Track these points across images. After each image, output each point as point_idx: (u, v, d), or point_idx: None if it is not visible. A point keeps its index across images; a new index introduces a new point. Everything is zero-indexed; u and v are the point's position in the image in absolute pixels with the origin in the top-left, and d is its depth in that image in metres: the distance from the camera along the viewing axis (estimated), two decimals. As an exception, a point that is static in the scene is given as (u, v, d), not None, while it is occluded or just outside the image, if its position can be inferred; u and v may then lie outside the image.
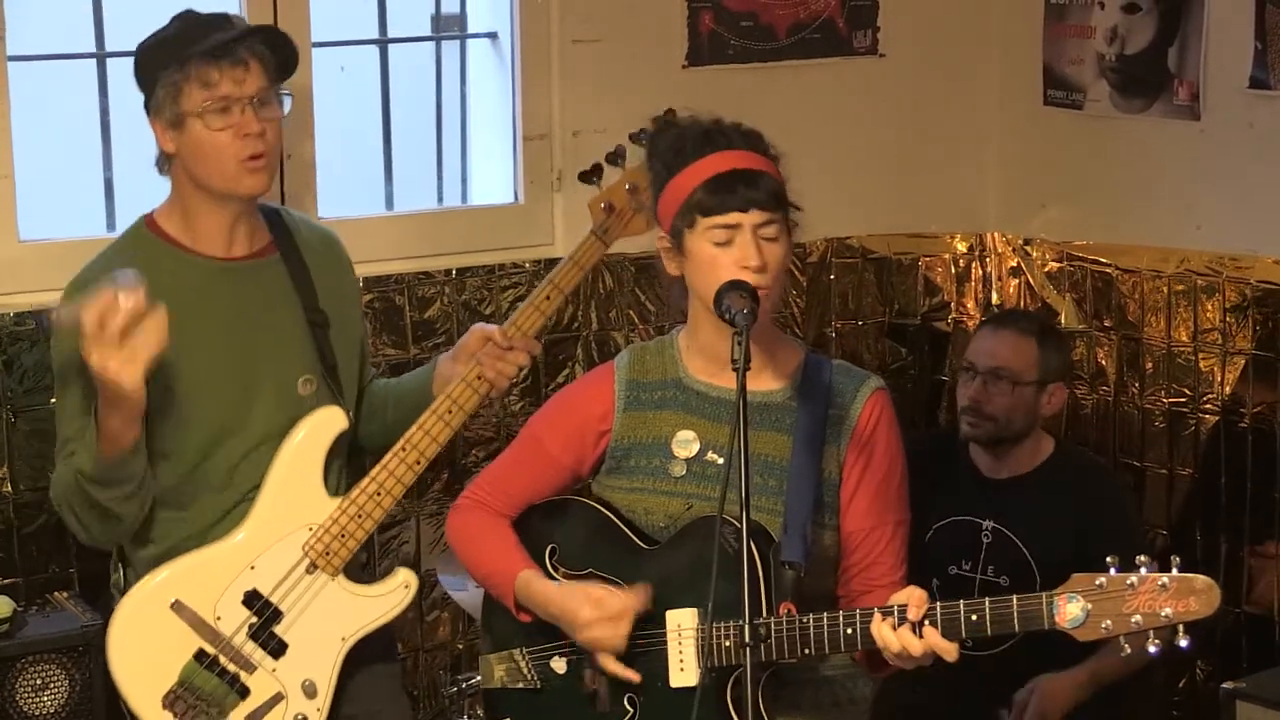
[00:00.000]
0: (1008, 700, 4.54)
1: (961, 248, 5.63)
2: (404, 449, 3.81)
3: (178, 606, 3.70)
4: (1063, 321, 5.40)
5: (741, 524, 3.09)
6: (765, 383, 3.44)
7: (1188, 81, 5.05)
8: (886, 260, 5.56)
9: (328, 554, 3.76)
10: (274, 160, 3.75)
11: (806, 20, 5.30)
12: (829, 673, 3.46)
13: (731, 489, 3.09)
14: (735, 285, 3.25)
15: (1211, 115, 5.01)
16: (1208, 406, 5.07)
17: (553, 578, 3.51)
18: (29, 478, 4.47)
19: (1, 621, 4.18)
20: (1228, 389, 5.02)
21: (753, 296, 3.23)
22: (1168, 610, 2.97)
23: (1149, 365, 5.21)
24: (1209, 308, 5.05)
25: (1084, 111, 5.33)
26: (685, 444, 3.47)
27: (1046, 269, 5.47)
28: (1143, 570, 3.00)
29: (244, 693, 3.73)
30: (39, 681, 4.15)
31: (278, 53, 3.73)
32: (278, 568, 3.75)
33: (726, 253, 3.30)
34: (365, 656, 3.85)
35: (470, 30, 5.17)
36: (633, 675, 3.38)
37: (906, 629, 3.13)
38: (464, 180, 5.24)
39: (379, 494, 3.79)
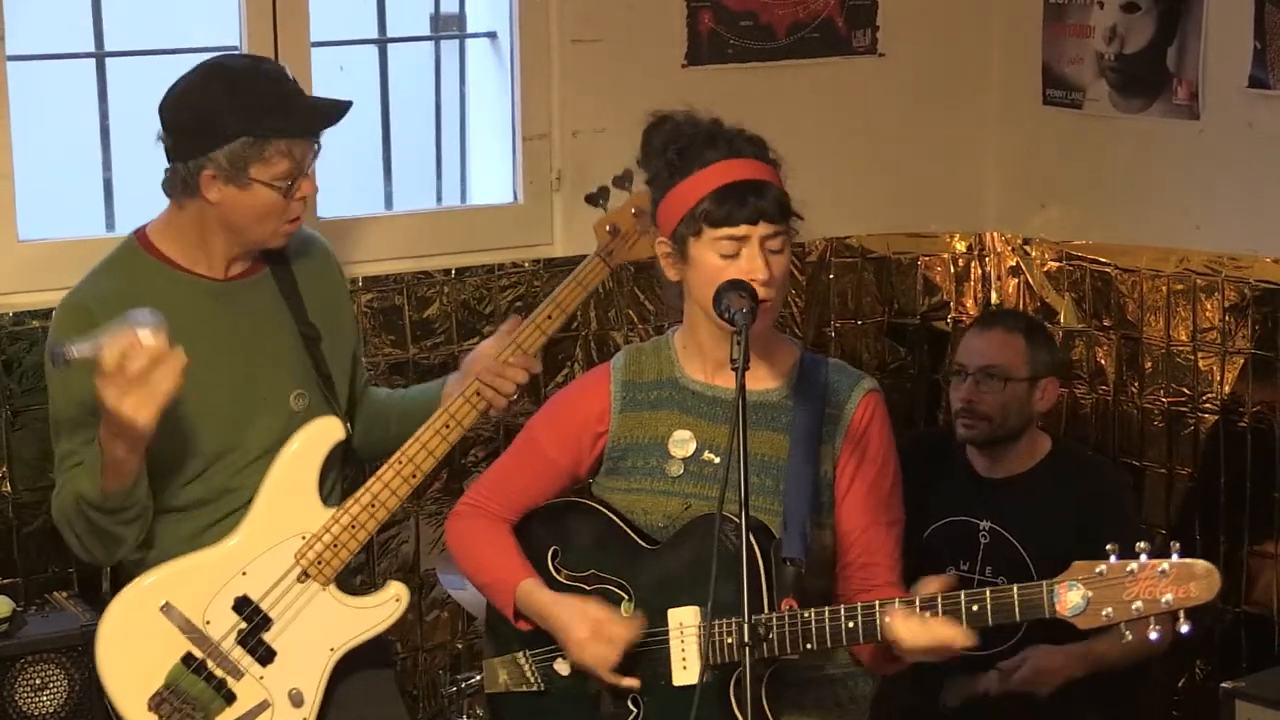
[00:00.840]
0: (1004, 704, 4.54)
1: (961, 247, 5.63)
2: (400, 462, 3.82)
3: (167, 609, 3.70)
4: (1062, 321, 5.40)
5: (741, 521, 3.09)
6: (762, 382, 3.45)
7: (1187, 81, 5.05)
8: (886, 260, 5.56)
9: (320, 563, 3.76)
10: None
11: (806, 20, 5.30)
12: (832, 671, 3.46)
13: (730, 488, 3.10)
14: (735, 285, 3.25)
15: (1211, 115, 5.01)
16: (1207, 406, 5.07)
17: (555, 579, 3.51)
18: (28, 478, 4.46)
19: (1, 621, 4.18)
20: (1227, 388, 5.02)
21: (752, 296, 3.24)
22: (1168, 596, 2.98)
23: (1148, 365, 5.21)
24: (1208, 307, 5.05)
25: (1083, 111, 5.33)
26: (682, 444, 3.47)
27: (1046, 268, 5.47)
28: (1143, 557, 3.00)
29: (230, 698, 3.73)
30: (38, 681, 4.14)
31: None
32: (269, 575, 3.75)
33: (733, 265, 3.31)
34: (358, 662, 3.84)
35: (469, 30, 5.17)
36: (632, 684, 3.38)
37: (916, 620, 3.12)
38: (463, 180, 5.23)
39: (373, 505, 3.79)
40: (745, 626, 3.10)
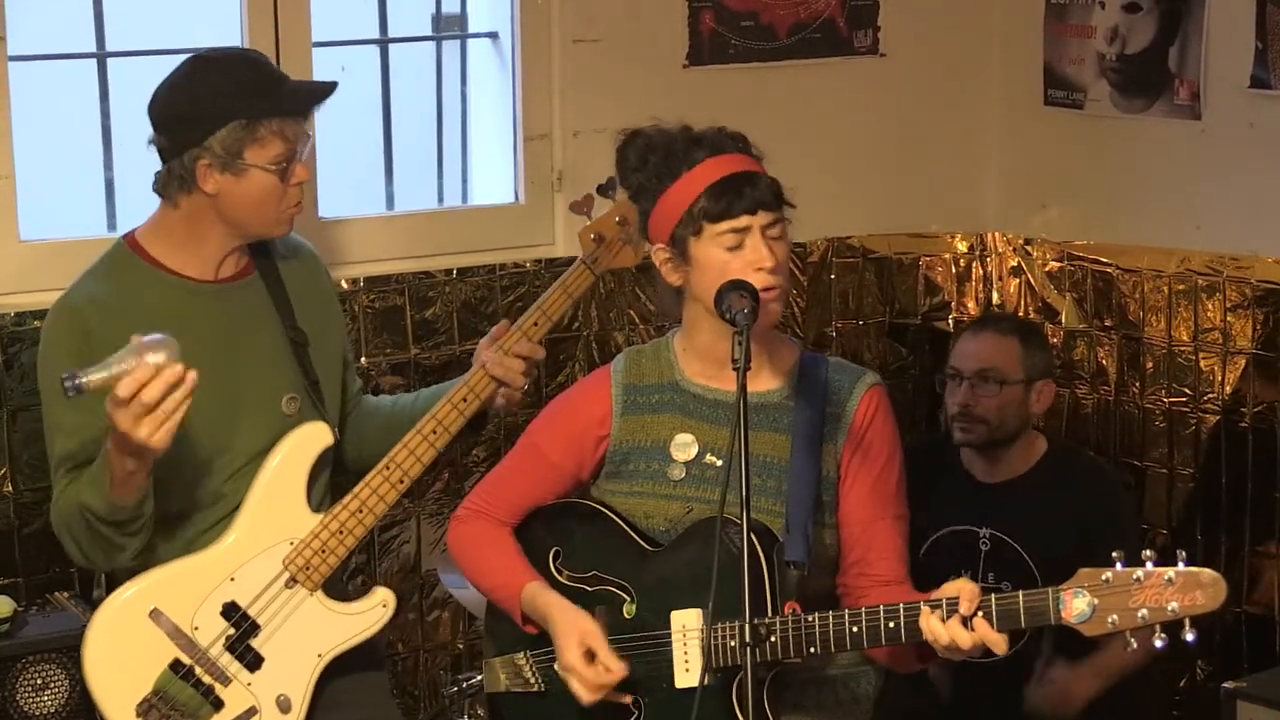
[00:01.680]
0: (1007, 705, 4.54)
1: (962, 247, 5.63)
2: (388, 468, 3.82)
3: (156, 615, 3.70)
4: (1064, 321, 5.41)
5: (743, 523, 3.09)
6: (762, 383, 3.45)
7: (1188, 81, 5.05)
8: (887, 260, 5.56)
9: (308, 569, 3.76)
10: None
11: (807, 20, 5.30)
12: (832, 672, 3.45)
13: (731, 490, 3.09)
14: (736, 285, 3.25)
15: (1212, 115, 5.01)
16: (1208, 406, 5.07)
17: (557, 580, 3.51)
18: (29, 478, 4.46)
19: (2, 621, 4.18)
20: (1228, 388, 5.02)
21: (753, 296, 3.23)
22: (1174, 604, 2.97)
23: (1149, 365, 5.21)
24: (1209, 307, 5.05)
25: (1084, 111, 5.33)
26: (684, 447, 3.47)
27: (1047, 269, 5.47)
28: (1149, 565, 3.00)
29: (218, 705, 3.72)
30: (39, 681, 4.14)
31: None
32: (257, 581, 3.75)
33: (738, 256, 3.31)
34: (349, 664, 3.84)
35: (471, 30, 5.17)
36: (625, 698, 3.37)
37: (956, 621, 3.11)
38: (464, 180, 5.23)
39: (361, 511, 3.79)
40: (747, 628, 3.10)
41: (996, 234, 5.61)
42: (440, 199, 5.23)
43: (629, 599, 3.43)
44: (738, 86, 5.16)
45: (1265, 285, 4.92)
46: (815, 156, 5.20)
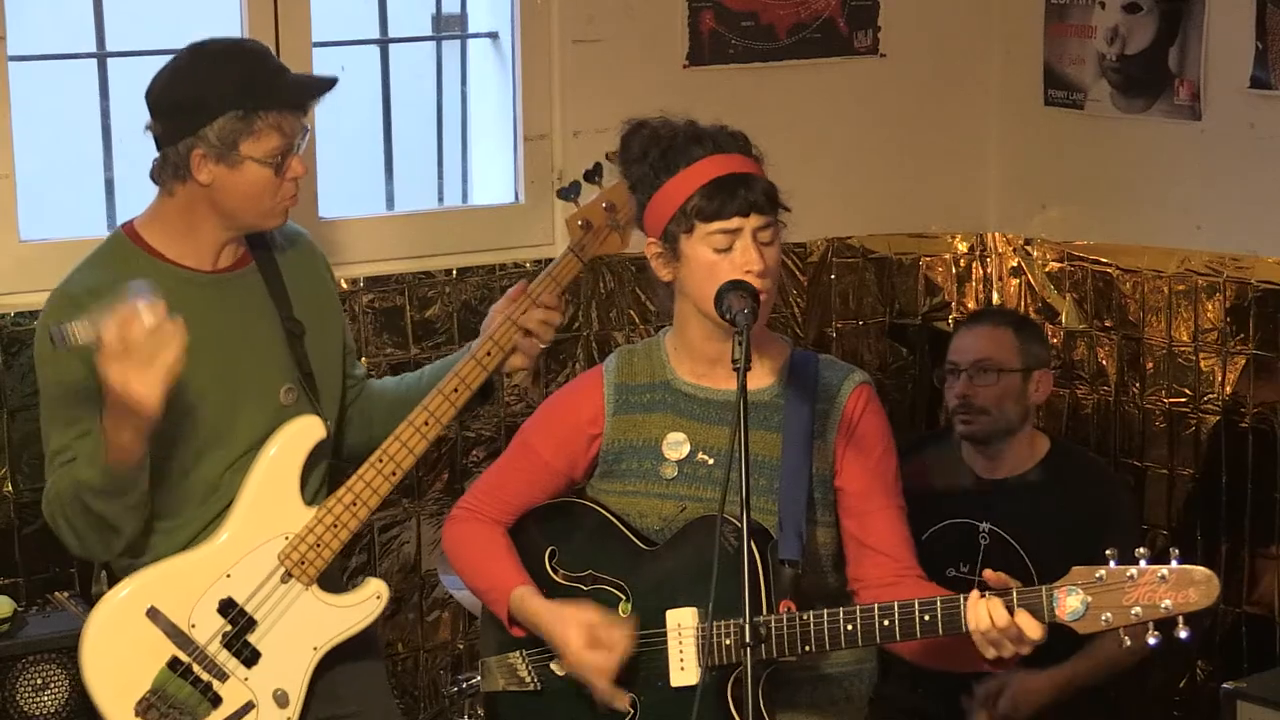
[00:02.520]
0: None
1: (962, 248, 5.63)
2: (381, 460, 3.82)
3: (153, 613, 3.70)
4: (1064, 321, 5.41)
5: (741, 523, 3.09)
6: (754, 381, 3.43)
7: (1188, 81, 5.05)
8: (887, 260, 5.56)
9: (303, 563, 3.76)
10: None
11: (807, 20, 5.30)
12: (828, 670, 3.46)
13: (730, 490, 3.09)
14: (736, 285, 3.26)
15: (1212, 115, 5.01)
16: (1208, 406, 5.07)
17: (553, 580, 3.51)
18: (29, 477, 4.47)
19: (2, 621, 4.18)
20: (1228, 389, 5.02)
21: (753, 296, 3.24)
22: (1167, 602, 2.98)
23: (1150, 365, 5.21)
24: (1209, 308, 5.05)
25: (1085, 111, 5.33)
26: (676, 446, 3.47)
27: (1047, 269, 5.47)
28: (1142, 563, 3.00)
29: (216, 701, 3.73)
30: (39, 681, 4.14)
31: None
32: (253, 576, 3.75)
33: (727, 258, 3.31)
34: (345, 654, 3.85)
35: (471, 30, 5.17)
36: (621, 703, 3.38)
37: (1000, 608, 3.11)
38: (464, 180, 5.24)
39: (355, 504, 3.79)
40: (745, 628, 3.10)
41: (997, 234, 5.61)
42: (440, 199, 5.23)
43: (624, 598, 3.43)
44: (738, 87, 5.16)
45: (1265, 285, 4.92)
46: (815, 157, 5.20)
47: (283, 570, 3.75)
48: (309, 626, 3.78)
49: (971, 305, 5.63)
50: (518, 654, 3.55)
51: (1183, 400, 5.13)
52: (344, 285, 4.78)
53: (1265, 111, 4.88)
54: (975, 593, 3.14)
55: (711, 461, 3.42)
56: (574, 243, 3.98)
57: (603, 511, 3.51)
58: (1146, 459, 5.23)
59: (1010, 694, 4.47)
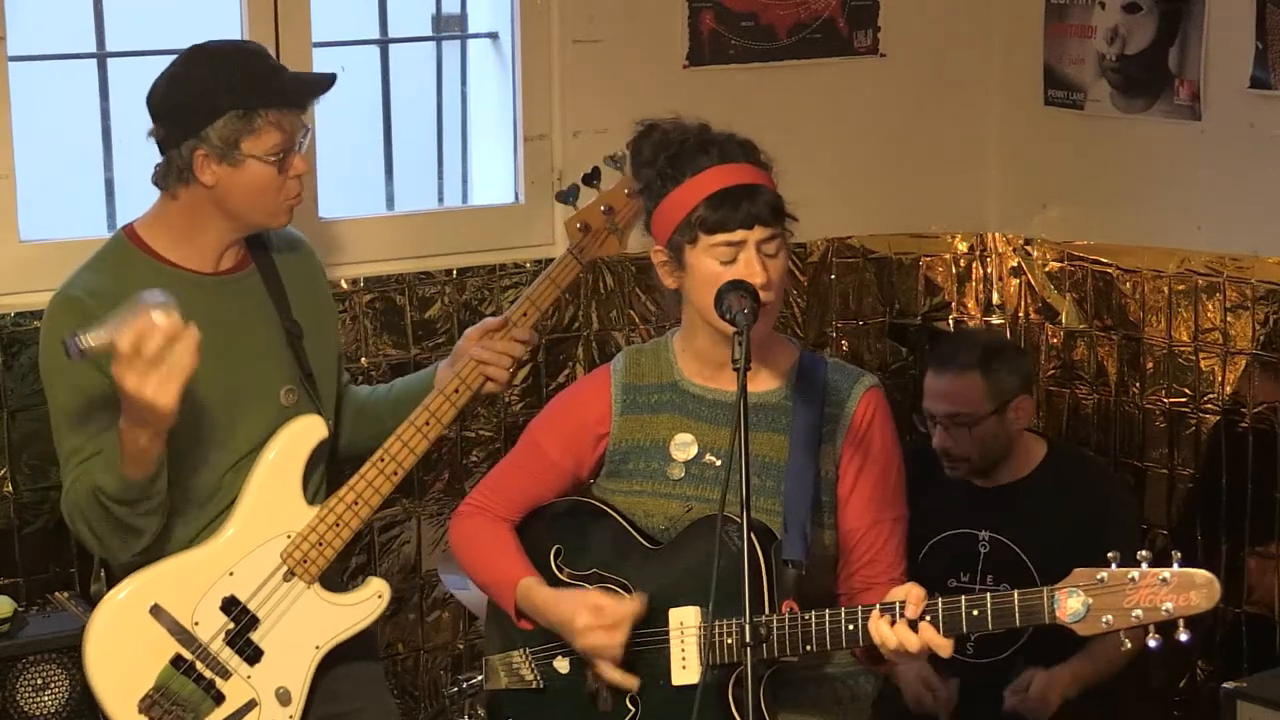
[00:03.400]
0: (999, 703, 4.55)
1: (962, 248, 5.63)
2: (382, 459, 3.83)
3: (156, 611, 3.70)
4: (1064, 321, 5.41)
5: (743, 522, 3.10)
6: (761, 383, 3.45)
7: (1188, 81, 5.05)
8: (887, 260, 5.56)
9: (305, 562, 3.77)
10: None
11: (807, 20, 5.30)
12: (830, 670, 3.46)
13: (730, 490, 3.10)
14: (736, 285, 3.26)
15: (1212, 115, 5.01)
16: (1208, 406, 5.07)
17: (558, 578, 3.51)
18: (29, 478, 4.47)
19: (2, 621, 4.18)
20: (1228, 389, 5.02)
21: (754, 296, 3.24)
22: (1168, 605, 2.98)
23: (1150, 365, 5.21)
24: (1210, 308, 5.05)
25: (1085, 111, 5.33)
26: (683, 447, 3.47)
27: (1047, 269, 5.47)
28: (1143, 565, 3.00)
29: (219, 699, 3.73)
30: (40, 681, 4.14)
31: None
32: (256, 575, 3.76)
33: (731, 270, 3.31)
34: (345, 654, 3.85)
35: (471, 30, 5.17)
36: (631, 683, 3.38)
37: (903, 625, 3.13)
38: (464, 180, 5.24)
39: (356, 503, 3.80)
40: (747, 627, 3.10)
41: (997, 234, 5.61)
42: (440, 199, 5.23)
43: (629, 597, 3.44)
44: (738, 87, 5.16)
45: (1265, 285, 4.92)
46: (815, 157, 5.20)
47: (285, 569, 3.76)
48: (311, 625, 3.79)
49: (971, 305, 5.63)
50: (521, 652, 3.56)
51: (1183, 400, 5.13)
52: (344, 285, 4.78)
53: (1265, 111, 4.88)
54: (876, 611, 3.16)
55: (719, 463, 3.43)
56: (573, 245, 3.99)
57: (609, 510, 3.52)
58: (1146, 459, 5.23)
59: (1038, 687, 4.46)
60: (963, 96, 5.56)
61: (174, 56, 3.78)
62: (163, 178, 3.73)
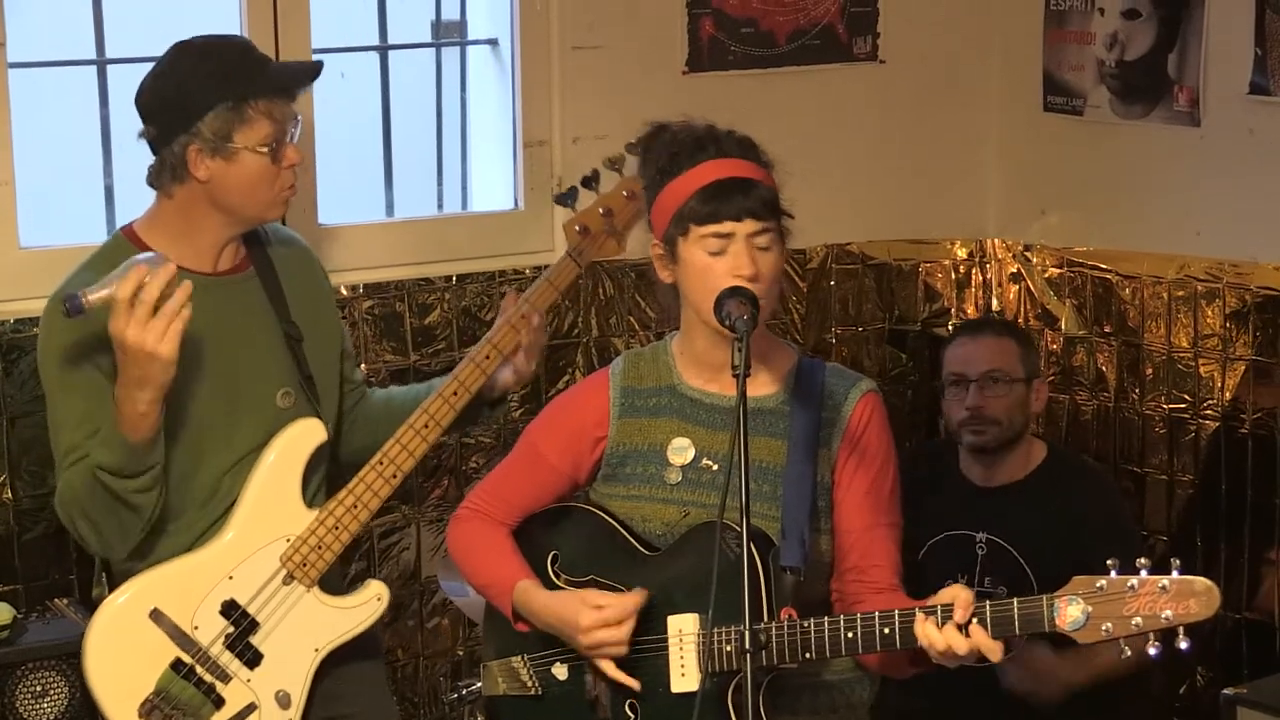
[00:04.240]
0: (1004, 711, 4.54)
1: (962, 254, 5.63)
2: (381, 463, 3.83)
3: (156, 615, 3.71)
4: (1063, 327, 5.41)
5: (742, 529, 3.10)
6: (759, 388, 3.45)
7: (1187, 87, 5.05)
8: (887, 266, 5.56)
9: (305, 565, 3.77)
10: None
11: (806, 26, 5.30)
12: (828, 677, 3.45)
13: (730, 495, 3.10)
14: (735, 291, 3.25)
15: (1211, 121, 5.01)
16: (1208, 412, 5.07)
17: (555, 584, 3.51)
18: (29, 484, 4.47)
19: (2, 628, 4.18)
20: (1228, 395, 5.02)
21: (753, 303, 3.24)
22: (1168, 612, 2.98)
23: (1149, 371, 5.21)
24: (1209, 313, 5.05)
25: (1084, 118, 5.33)
26: (681, 451, 3.47)
27: (1047, 275, 5.47)
28: (1143, 573, 3.00)
29: (219, 703, 3.74)
30: (39, 688, 4.14)
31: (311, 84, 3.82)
32: (256, 578, 3.76)
33: (720, 261, 3.31)
34: (346, 655, 3.86)
35: (470, 37, 5.17)
36: (633, 682, 3.38)
37: (952, 627, 3.12)
38: (464, 186, 5.24)
39: (356, 507, 3.81)
40: (746, 635, 3.10)
41: (996, 240, 5.61)
42: (440, 205, 5.23)
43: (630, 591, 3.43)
44: (737, 93, 5.16)
45: (1265, 291, 4.92)
46: (815, 163, 5.18)
47: (285, 572, 3.76)
48: (311, 628, 3.79)
49: (971, 311, 5.63)
50: (519, 657, 3.56)
51: (1182, 406, 5.13)
52: (343, 291, 4.78)
53: (1264, 117, 4.88)
54: (920, 614, 3.15)
55: (716, 467, 3.43)
56: (572, 248, 4.00)
57: (605, 516, 3.52)
58: (1146, 465, 5.23)
59: (1025, 667, 4.46)
60: (962, 102, 5.56)
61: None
62: (157, 177, 3.74)
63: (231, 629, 3.74)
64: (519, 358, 3.96)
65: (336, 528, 3.78)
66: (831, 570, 3.45)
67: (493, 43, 5.10)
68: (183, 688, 3.71)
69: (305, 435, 3.80)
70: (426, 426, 3.85)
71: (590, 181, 4.00)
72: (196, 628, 3.72)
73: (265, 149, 3.68)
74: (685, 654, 3.34)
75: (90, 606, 4.30)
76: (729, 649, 3.25)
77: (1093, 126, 5.31)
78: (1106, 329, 5.31)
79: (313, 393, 3.85)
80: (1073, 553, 4.40)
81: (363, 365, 4.80)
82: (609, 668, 3.38)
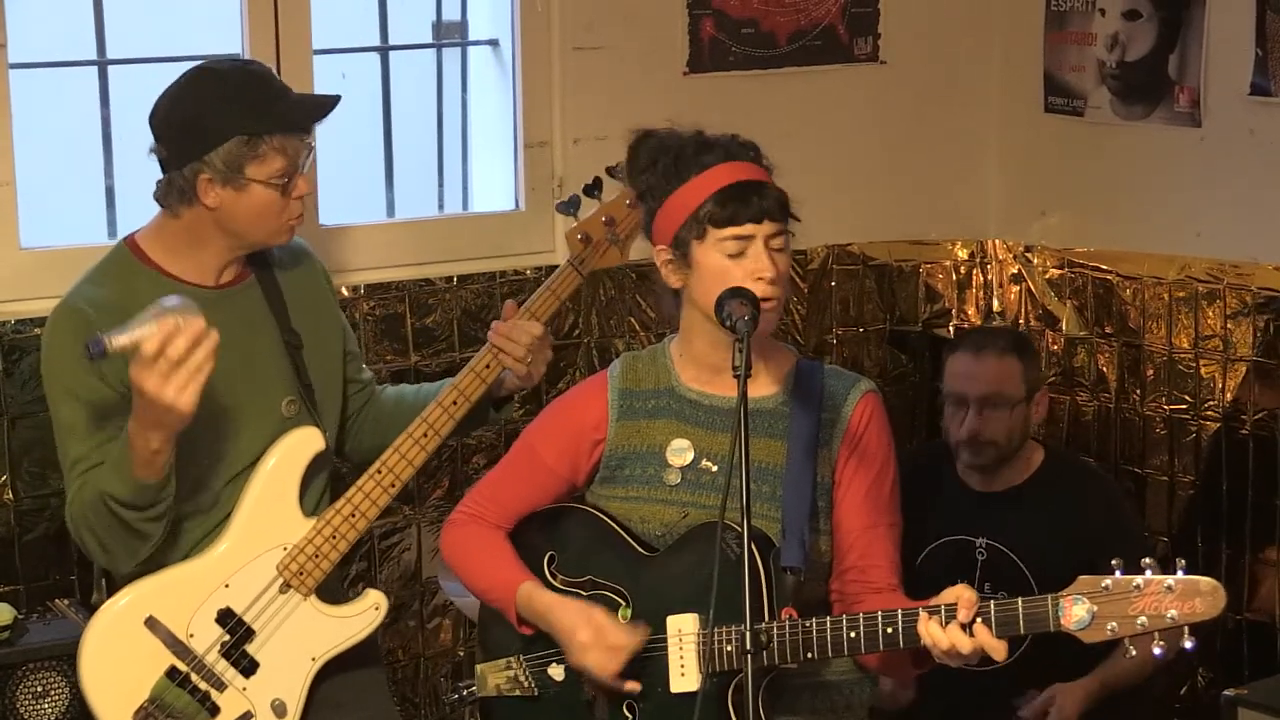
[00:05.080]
0: (1005, 711, 4.54)
1: (962, 254, 5.63)
2: (379, 472, 3.82)
3: (151, 623, 3.69)
4: (1064, 328, 5.41)
5: (743, 529, 3.09)
6: (759, 389, 3.44)
7: (1188, 88, 5.05)
8: (888, 267, 5.56)
9: (301, 574, 3.76)
10: None
11: (807, 27, 5.30)
12: (829, 678, 3.45)
13: (731, 496, 3.09)
14: (736, 292, 3.25)
15: (1212, 122, 5.01)
16: (1209, 413, 5.08)
17: (551, 584, 3.51)
18: (30, 485, 4.47)
19: (2, 629, 4.18)
20: (1229, 396, 5.02)
21: (754, 304, 3.24)
22: (1173, 612, 2.97)
23: (1150, 372, 5.21)
24: (1210, 314, 5.05)
25: (1085, 118, 5.33)
26: (680, 452, 3.46)
27: (1047, 276, 5.47)
28: (1148, 573, 3.00)
29: (214, 711, 3.72)
30: (40, 689, 4.14)
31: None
32: (252, 587, 3.75)
33: (739, 264, 3.31)
34: (346, 662, 3.84)
35: (471, 37, 5.18)
36: (631, 688, 3.37)
37: (956, 627, 3.12)
38: (465, 187, 5.24)
39: (353, 515, 3.79)
40: (747, 635, 3.10)
41: (997, 241, 5.62)
42: (441, 206, 5.24)
43: (624, 604, 3.43)
44: (738, 94, 5.16)
45: (1265, 292, 4.92)
46: (815, 164, 5.20)
47: (281, 581, 3.75)
48: (307, 637, 3.78)
49: (972, 312, 5.63)
50: (516, 659, 3.55)
51: (1183, 407, 5.13)
52: (344, 292, 4.78)
53: (1265, 118, 4.89)
54: (923, 613, 3.14)
55: (715, 469, 3.42)
56: (573, 257, 3.98)
57: (603, 517, 3.51)
58: (1147, 466, 5.23)
59: (1057, 707, 4.46)
60: (963, 103, 5.56)
61: (177, 70, 3.76)
62: (165, 196, 3.72)
63: (227, 637, 3.72)
64: (523, 368, 3.93)
65: (334, 536, 3.78)
66: (830, 570, 3.45)
67: (493, 43, 5.10)
68: (177, 695, 3.70)
69: (303, 444, 3.79)
70: (426, 436, 3.84)
71: (593, 189, 3.98)
72: (192, 635, 3.71)
73: (276, 182, 3.66)
74: (685, 654, 3.34)
75: (91, 610, 4.30)
76: (729, 649, 3.25)
77: (1093, 127, 5.32)
78: (1107, 330, 5.31)
79: (312, 402, 3.84)
80: (1075, 555, 4.39)
81: (364, 366, 4.80)
82: (601, 682, 3.38)
